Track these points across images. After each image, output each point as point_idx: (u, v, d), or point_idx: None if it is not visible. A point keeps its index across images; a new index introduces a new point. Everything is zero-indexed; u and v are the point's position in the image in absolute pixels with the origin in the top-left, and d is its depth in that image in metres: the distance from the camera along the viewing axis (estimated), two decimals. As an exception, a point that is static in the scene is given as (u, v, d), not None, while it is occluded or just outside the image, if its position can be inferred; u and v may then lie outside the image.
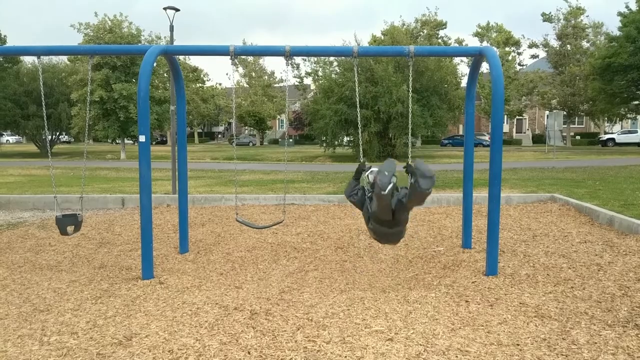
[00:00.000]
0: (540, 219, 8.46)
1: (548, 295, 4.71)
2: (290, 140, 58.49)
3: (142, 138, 5.42)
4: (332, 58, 31.91)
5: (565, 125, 45.10)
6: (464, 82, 35.03)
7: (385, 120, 27.88)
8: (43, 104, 6.45)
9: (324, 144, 31.83)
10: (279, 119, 66.30)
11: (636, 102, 35.49)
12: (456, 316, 4.22)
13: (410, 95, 6.05)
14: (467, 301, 4.59)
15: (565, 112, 42.20)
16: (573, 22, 42.40)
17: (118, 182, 15.22)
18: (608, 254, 6.03)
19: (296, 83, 49.14)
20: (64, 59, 39.67)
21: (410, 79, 6.32)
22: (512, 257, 6.07)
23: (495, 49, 42.64)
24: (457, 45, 47.52)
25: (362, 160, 4.95)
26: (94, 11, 59.50)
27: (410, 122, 6.27)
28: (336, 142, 31.33)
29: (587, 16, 43.92)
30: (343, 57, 26.05)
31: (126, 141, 35.24)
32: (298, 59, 43.76)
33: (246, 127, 62.96)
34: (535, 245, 6.66)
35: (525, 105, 50.58)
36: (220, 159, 31.16)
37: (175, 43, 13.85)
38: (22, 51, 7.33)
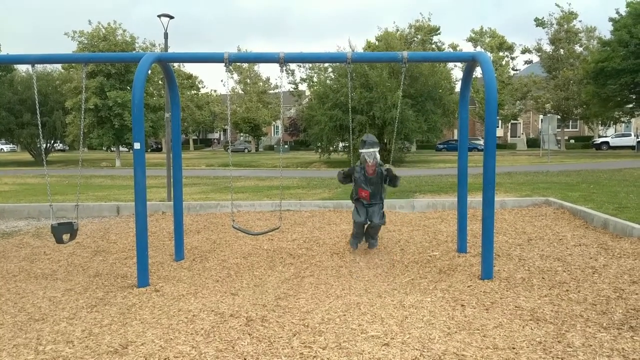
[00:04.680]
0: (535, 223, 8.49)
1: (543, 298, 4.73)
2: (286, 146, 58.55)
3: (136, 145, 5.42)
4: (326, 64, 32.01)
5: (559, 129, 45.33)
6: (458, 87, 35.18)
7: (380, 125, 27.96)
8: (37, 112, 6.45)
9: (320, 150, 31.87)
10: (274, 125, 66.32)
11: (630, 106, 35.72)
12: (452, 320, 4.23)
13: (399, 98, 6.22)
14: (463, 305, 4.60)
15: (559, 116, 42.42)
16: (566, 26, 42.70)
17: (113, 189, 15.17)
18: (603, 257, 6.06)
19: (291, 89, 49.18)
20: (58, 66, 39.60)
21: (401, 84, 6.42)
22: (508, 261, 6.08)
23: (488, 54, 42.88)
24: (451, 50, 47.75)
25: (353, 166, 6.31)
26: (88, 19, 59.49)
27: (397, 123, 6.34)
28: (331, 148, 31.39)
29: (580, 21, 44.18)
30: (337, 63, 26.13)
31: (121, 149, 35.19)
32: (293, 65, 43.90)
33: (241, 134, 62.95)
34: (530, 248, 6.68)
35: (520, 110, 50.82)
36: (215, 165, 31.12)
37: (170, 50, 13.87)
38: (16, 60, 7.32)
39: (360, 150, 6.16)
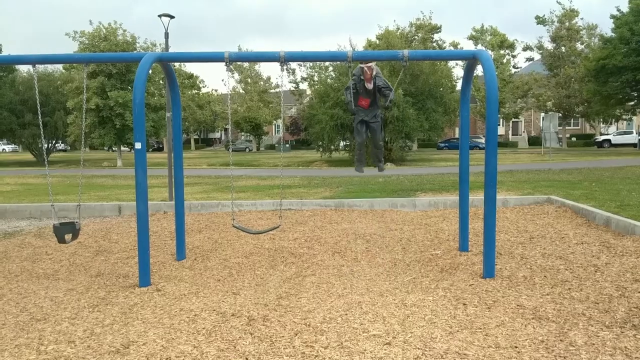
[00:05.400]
0: (537, 221, 8.47)
1: (545, 297, 4.72)
2: (287, 145, 58.52)
3: (138, 145, 5.42)
4: (327, 63, 32.00)
5: (561, 127, 45.27)
6: (459, 85, 35.10)
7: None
8: (39, 112, 6.46)
9: (321, 149, 31.85)
10: (275, 124, 66.30)
11: (631, 103, 35.66)
12: (454, 319, 4.22)
13: (393, 93, 6.28)
14: (464, 304, 4.59)
15: (560, 114, 42.38)
16: (567, 24, 42.62)
17: (114, 189, 15.19)
18: (605, 255, 6.05)
19: (292, 88, 49.19)
20: (59, 67, 39.64)
21: (398, 81, 6.44)
22: (509, 260, 6.07)
23: (489, 51, 42.85)
24: (452, 48, 47.69)
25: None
26: (89, 19, 59.50)
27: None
28: (332, 147, 31.36)
29: (582, 18, 44.18)
30: (338, 62, 26.11)
31: (122, 148, 35.20)
32: (293, 64, 43.87)
33: (242, 133, 62.94)
34: (532, 247, 6.67)
35: (521, 108, 50.74)
36: (216, 165, 31.14)
37: (170, 50, 13.86)
38: (17, 60, 7.33)
39: (360, 65, 6.38)
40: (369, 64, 6.22)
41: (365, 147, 6.91)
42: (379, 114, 6.60)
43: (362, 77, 6.31)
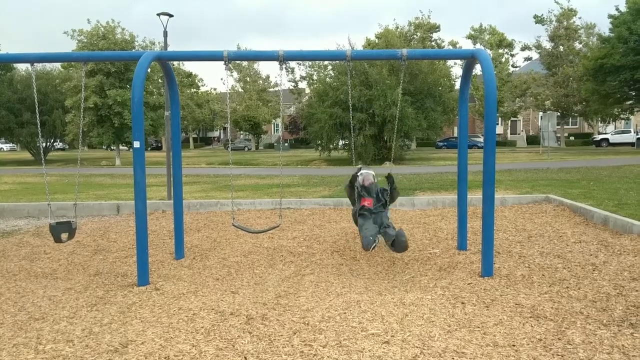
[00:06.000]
0: (535, 220, 8.49)
1: (543, 295, 4.73)
2: (286, 144, 58.49)
3: (136, 144, 5.41)
4: (326, 62, 31.99)
5: (559, 126, 45.31)
6: (457, 85, 35.05)
7: (380, 123, 27.94)
8: (37, 111, 6.46)
9: (320, 148, 31.86)
10: (274, 123, 66.23)
11: (629, 102, 35.71)
12: (452, 318, 4.23)
13: (399, 96, 6.27)
14: (463, 303, 4.60)
15: (558, 113, 42.40)
16: (565, 23, 42.66)
17: (113, 188, 15.17)
18: (603, 254, 6.06)
19: (291, 87, 49.20)
20: (57, 65, 39.58)
21: (401, 81, 6.43)
22: (508, 258, 6.08)
23: (488, 51, 42.87)
24: (450, 47, 47.69)
25: (357, 166, 6.50)
26: (87, 18, 59.39)
27: (397, 122, 6.40)
28: (331, 146, 31.37)
29: (580, 17, 44.21)
30: (337, 61, 26.11)
31: (121, 147, 35.17)
32: (292, 63, 43.88)
33: (241, 132, 62.87)
34: (530, 245, 6.68)
35: (519, 107, 50.78)
36: (215, 164, 31.11)
37: (169, 48, 13.84)
38: (15, 59, 7.32)
39: (359, 174, 6.29)
40: (367, 174, 6.21)
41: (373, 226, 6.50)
42: (382, 200, 6.19)
43: (362, 183, 6.21)
